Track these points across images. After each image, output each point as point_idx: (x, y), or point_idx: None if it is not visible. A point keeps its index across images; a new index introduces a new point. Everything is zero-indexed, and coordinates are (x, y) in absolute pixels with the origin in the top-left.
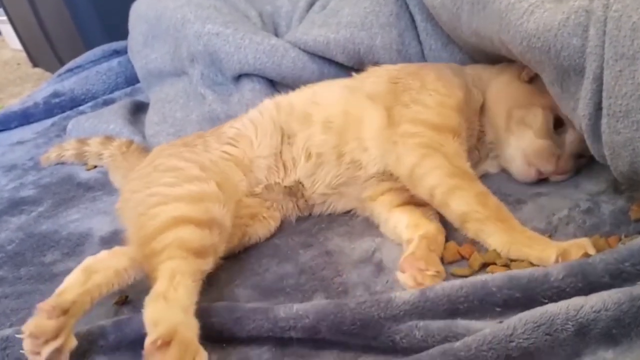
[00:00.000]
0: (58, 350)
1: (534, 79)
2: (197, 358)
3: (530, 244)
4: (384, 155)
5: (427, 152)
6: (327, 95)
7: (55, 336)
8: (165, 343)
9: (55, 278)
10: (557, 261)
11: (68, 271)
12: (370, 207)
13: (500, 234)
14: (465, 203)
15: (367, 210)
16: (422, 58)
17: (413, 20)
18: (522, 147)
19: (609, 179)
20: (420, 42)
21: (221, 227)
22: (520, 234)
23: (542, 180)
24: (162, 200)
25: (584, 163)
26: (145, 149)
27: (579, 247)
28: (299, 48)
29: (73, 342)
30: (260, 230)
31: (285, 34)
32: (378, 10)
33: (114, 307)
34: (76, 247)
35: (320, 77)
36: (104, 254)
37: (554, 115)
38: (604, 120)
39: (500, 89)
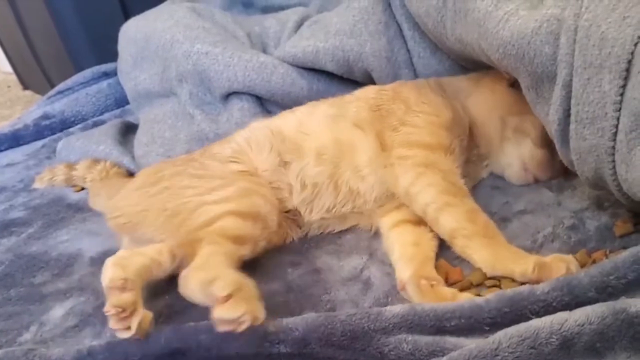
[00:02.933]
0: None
1: (516, 83)
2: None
3: (515, 259)
4: (382, 179)
5: (421, 170)
6: (314, 125)
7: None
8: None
9: (45, 299)
10: (533, 270)
11: (58, 292)
12: (377, 223)
13: (486, 250)
14: (455, 220)
15: (373, 226)
16: (411, 65)
17: (401, 29)
18: (522, 155)
19: (591, 196)
20: (408, 50)
21: (265, 222)
22: (505, 251)
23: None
24: (204, 201)
25: None
26: (124, 173)
27: (560, 261)
28: (288, 62)
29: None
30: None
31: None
32: (367, 18)
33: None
34: (66, 268)
35: (309, 93)
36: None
37: None
38: (572, 126)
39: (486, 98)
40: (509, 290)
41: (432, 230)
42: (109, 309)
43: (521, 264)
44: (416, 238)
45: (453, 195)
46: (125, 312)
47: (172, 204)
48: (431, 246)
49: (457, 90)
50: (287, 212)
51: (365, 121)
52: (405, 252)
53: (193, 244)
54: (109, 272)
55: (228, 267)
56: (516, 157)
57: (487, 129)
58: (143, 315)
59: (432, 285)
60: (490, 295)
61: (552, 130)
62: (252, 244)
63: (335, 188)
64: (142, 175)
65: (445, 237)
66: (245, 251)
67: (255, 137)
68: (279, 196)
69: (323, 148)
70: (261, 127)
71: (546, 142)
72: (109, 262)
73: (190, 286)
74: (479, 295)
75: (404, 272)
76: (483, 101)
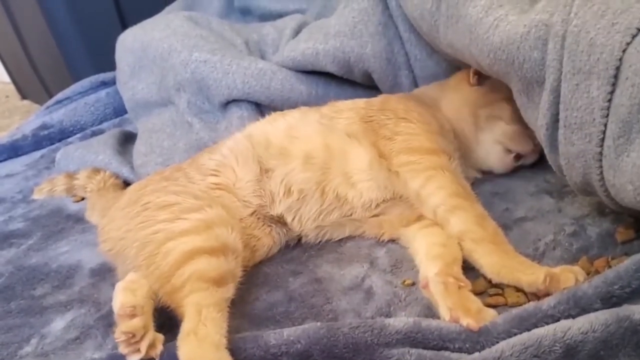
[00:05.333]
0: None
1: (481, 82)
2: None
3: (522, 269)
4: (385, 183)
5: (431, 173)
6: (305, 130)
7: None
8: None
9: (46, 311)
10: (545, 281)
11: (58, 304)
12: (398, 232)
13: (492, 255)
14: (464, 222)
15: (386, 235)
16: (410, 67)
17: (399, 31)
18: (497, 137)
19: (592, 203)
20: (406, 52)
21: (235, 251)
22: (512, 259)
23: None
24: (169, 236)
25: None
26: (121, 185)
27: (569, 272)
28: (287, 67)
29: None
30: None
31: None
32: (367, 19)
33: (113, 335)
34: (66, 279)
35: (308, 98)
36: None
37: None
38: (560, 132)
39: (455, 99)
40: (514, 310)
41: None
42: (118, 336)
43: (529, 274)
44: (444, 240)
45: (463, 199)
46: (135, 337)
47: (142, 233)
48: (459, 250)
49: (432, 99)
50: (271, 217)
51: (359, 132)
52: (431, 251)
53: (174, 295)
54: (119, 299)
55: (218, 335)
56: (492, 142)
57: (461, 128)
58: (154, 338)
59: (459, 287)
60: (497, 318)
61: (541, 135)
62: (232, 279)
63: (322, 194)
64: (130, 191)
65: (451, 233)
66: (229, 293)
67: (238, 148)
68: (261, 203)
69: (313, 152)
70: (241, 139)
71: (519, 120)
72: (119, 287)
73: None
74: None
75: (429, 270)
76: (451, 102)
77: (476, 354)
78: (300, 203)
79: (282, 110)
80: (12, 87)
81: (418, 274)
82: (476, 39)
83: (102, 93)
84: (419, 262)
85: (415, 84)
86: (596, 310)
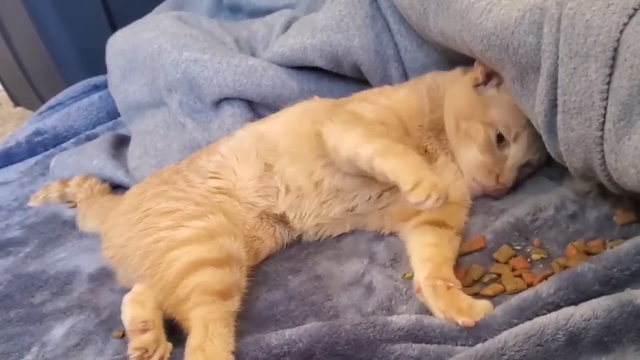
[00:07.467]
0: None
1: (488, 83)
2: None
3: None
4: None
5: (348, 127)
6: (292, 123)
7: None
8: None
9: (46, 319)
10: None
11: (58, 311)
12: (394, 227)
13: (393, 161)
14: (373, 148)
15: (386, 229)
16: (400, 59)
17: (388, 23)
18: (467, 160)
19: (593, 185)
20: (396, 44)
21: (239, 261)
22: (410, 158)
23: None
24: (172, 245)
25: (529, 172)
26: (109, 190)
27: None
28: (277, 63)
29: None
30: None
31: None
32: (354, 13)
33: (114, 340)
34: (65, 286)
35: (300, 94)
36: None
37: (495, 131)
38: (559, 117)
39: (451, 99)
40: (514, 300)
41: (453, 231)
42: (132, 352)
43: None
44: (436, 239)
45: (377, 137)
46: (149, 352)
47: (145, 242)
48: (452, 247)
49: (437, 87)
50: (274, 216)
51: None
52: (423, 253)
53: (179, 308)
54: (129, 313)
55: (225, 353)
56: (465, 162)
57: (449, 130)
58: (165, 350)
59: (448, 288)
60: (496, 310)
61: (539, 122)
62: (238, 292)
63: (316, 187)
64: (130, 196)
65: (366, 170)
66: (235, 307)
67: (241, 146)
68: (267, 202)
69: (293, 145)
70: (246, 135)
71: (490, 150)
72: (127, 299)
73: None
74: (479, 293)
75: (420, 274)
76: (449, 102)
77: (479, 346)
78: (300, 200)
79: (274, 107)
80: (4, 94)
81: None
82: (468, 25)
83: (95, 97)
84: (413, 265)
85: (406, 76)
86: (596, 293)
